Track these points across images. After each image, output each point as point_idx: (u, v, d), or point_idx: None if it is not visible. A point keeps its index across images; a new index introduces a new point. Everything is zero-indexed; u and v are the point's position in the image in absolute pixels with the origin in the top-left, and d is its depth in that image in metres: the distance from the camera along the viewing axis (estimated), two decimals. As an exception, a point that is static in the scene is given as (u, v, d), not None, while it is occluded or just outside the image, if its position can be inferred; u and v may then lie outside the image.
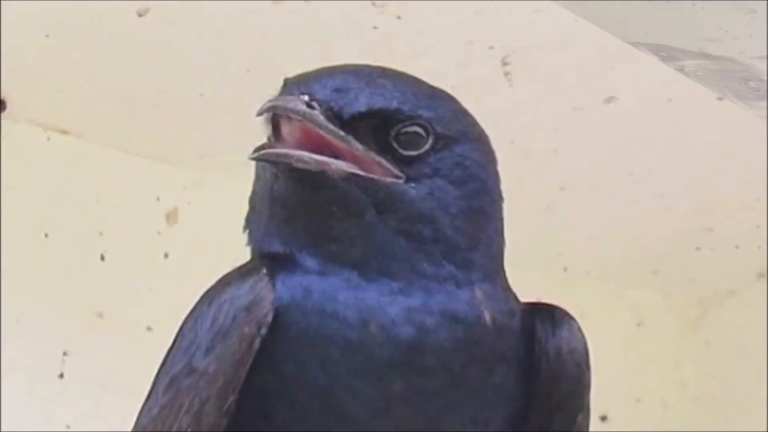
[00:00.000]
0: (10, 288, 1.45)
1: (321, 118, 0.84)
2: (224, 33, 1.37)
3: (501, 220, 0.91)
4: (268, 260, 0.86)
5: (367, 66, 0.89)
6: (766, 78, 1.10)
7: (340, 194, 0.85)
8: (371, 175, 0.85)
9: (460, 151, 0.88)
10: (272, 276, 0.84)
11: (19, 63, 1.41)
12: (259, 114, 0.85)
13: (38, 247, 1.49)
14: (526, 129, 1.50)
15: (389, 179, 0.85)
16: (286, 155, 0.84)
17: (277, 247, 0.86)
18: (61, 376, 1.48)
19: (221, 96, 1.45)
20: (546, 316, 0.89)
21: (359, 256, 0.85)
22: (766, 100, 1.14)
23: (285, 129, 0.85)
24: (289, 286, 0.84)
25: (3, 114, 1.48)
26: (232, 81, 1.42)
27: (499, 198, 0.91)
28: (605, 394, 1.59)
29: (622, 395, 1.76)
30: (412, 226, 0.85)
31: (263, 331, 0.83)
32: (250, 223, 0.90)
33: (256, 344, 0.83)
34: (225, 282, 0.86)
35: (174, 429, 0.84)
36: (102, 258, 1.52)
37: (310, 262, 0.85)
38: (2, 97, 1.47)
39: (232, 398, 0.83)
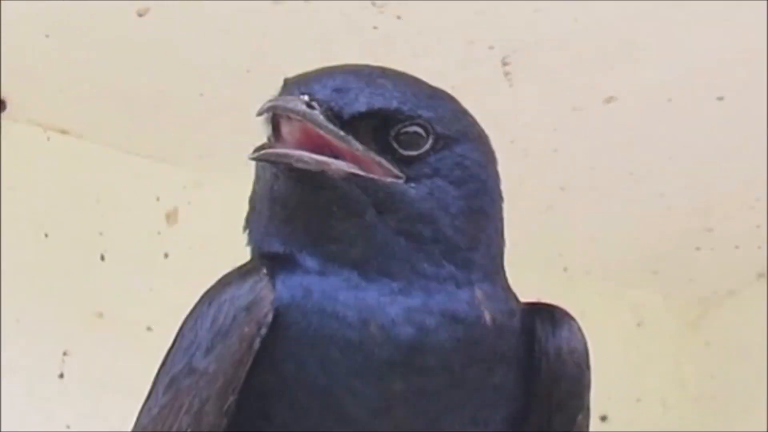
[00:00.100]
0: (10, 288, 1.45)
1: (321, 118, 0.84)
2: (224, 33, 1.37)
3: (501, 220, 0.91)
4: (268, 260, 0.86)
5: (367, 66, 0.89)
6: None
7: (340, 194, 0.85)
8: (371, 175, 0.85)
9: (460, 151, 0.88)
10: (272, 276, 0.84)
11: (19, 63, 1.41)
12: (259, 114, 0.85)
13: (38, 247, 1.49)
14: (526, 129, 1.50)
15: (389, 179, 0.86)
16: (286, 155, 0.84)
17: (277, 247, 0.86)
18: (61, 376, 1.48)
19: (221, 96, 1.45)
20: (546, 316, 0.89)
21: (359, 256, 0.85)
22: None
23: (285, 129, 0.85)
24: (289, 286, 0.84)
25: (3, 114, 1.48)
26: (232, 81, 1.42)
27: (499, 198, 0.91)
28: (605, 394, 1.59)
29: (622, 395, 1.76)
30: (412, 226, 0.85)
31: (263, 331, 0.83)
32: (250, 223, 0.90)
33: (256, 344, 0.83)
34: (225, 282, 0.86)
35: (174, 429, 0.84)
36: (102, 258, 1.52)
37: (310, 262, 0.85)
38: (2, 97, 1.47)
39: (232, 398, 0.83)
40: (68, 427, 1.47)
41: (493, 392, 0.86)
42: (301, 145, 0.85)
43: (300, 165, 0.84)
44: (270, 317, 0.83)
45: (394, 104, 0.86)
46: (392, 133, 0.86)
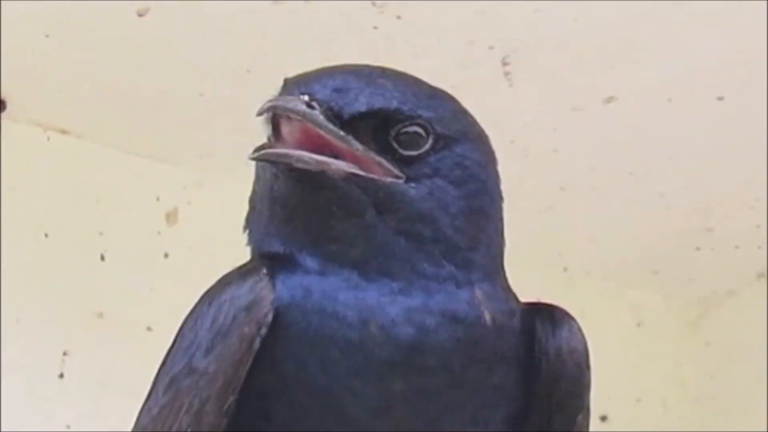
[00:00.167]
0: (10, 288, 1.45)
1: (321, 118, 0.84)
2: (224, 33, 1.37)
3: (501, 220, 0.91)
4: (268, 260, 0.86)
5: (367, 66, 0.89)
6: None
7: (340, 194, 0.85)
8: (371, 175, 0.85)
9: (460, 151, 0.88)
10: (272, 276, 0.84)
11: (19, 63, 1.41)
12: (259, 114, 0.85)
13: (38, 247, 1.49)
14: (526, 129, 1.50)
15: (389, 179, 0.86)
16: (286, 155, 0.84)
17: (277, 247, 0.86)
18: (61, 376, 1.48)
19: (221, 96, 1.45)
20: (546, 316, 0.89)
21: (359, 256, 0.85)
22: None
23: (285, 129, 0.85)
24: (289, 286, 0.84)
25: (3, 114, 1.48)
26: (232, 81, 1.42)
27: (499, 198, 0.91)
28: (605, 394, 1.59)
29: (622, 395, 1.76)
30: (412, 226, 0.85)
31: (263, 331, 0.83)
32: (250, 223, 0.90)
33: (256, 344, 0.83)
34: (225, 282, 0.86)
35: (174, 429, 0.84)
36: (102, 258, 1.52)
37: (310, 262, 0.85)
38: (2, 97, 1.47)
39: (232, 398, 0.83)
40: (68, 427, 1.47)
41: (493, 392, 0.86)
42: (301, 145, 0.85)
43: (300, 165, 0.84)
44: (270, 317, 0.83)
45: (394, 104, 0.86)
46: (392, 133, 0.86)
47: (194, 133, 1.52)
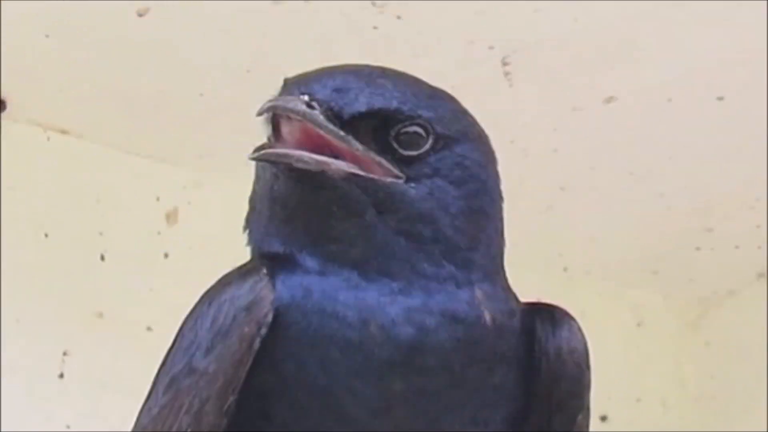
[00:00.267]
0: (10, 288, 1.45)
1: (321, 118, 0.84)
2: (224, 33, 1.37)
3: (501, 220, 0.91)
4: (268, 260, 0.86)
5: (367, 66, 0.89)
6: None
7: (340, 194, 0.85)
8: (371, 175, 0.85)
9: (460, 151, 0.88)
10: (272, 276, 0.84)
11: (19, 63, 1.41)
12: (259, 114, 0.85)
13: (38, 247, 1.49)
14: (526, 129, 1.50)
15: (389, 179, 0.86)
16: (286, 155, 0.84)
17: (277, 247, 0.86)
18: (61, 376, 1.48)
19: (221, 96, 1.45)
20: (546, 316, 0.89)
21: (359, 256, 0.85)
22: None
23: (285, 129, 0.85)
24: (289, 286, 0.84)
25: (3, 114, 1.48)
26: (232, 81, 1.42)
27: (499, 198, 0.91)
28: (605, 394, 1.59)
29: (622, 395, 1.76)
30: (412, 226, 0.85)
31: (263, 331, 0.83)
32: (250, 223, 0.90)
33: (256, 344, 0.83)
34: (225, 282, 0.86)
35: (174, 429, 0.84)
36: (102, 258, 1.52)
37: (310, 262, 0.85)
38: (2, 97, 1.47)
39: (232, 398, 0.83)
40: (68, 427, 1.47)
41: (493, 392, 0.86)
42: (301, 145, 0.85)
43: (300, 165, 0.84)
44: (270, 317, 0.83)
45: (394, 104, 0.86)
46: (392, 133, 0.86)
47: (194, 133, 1.52)
